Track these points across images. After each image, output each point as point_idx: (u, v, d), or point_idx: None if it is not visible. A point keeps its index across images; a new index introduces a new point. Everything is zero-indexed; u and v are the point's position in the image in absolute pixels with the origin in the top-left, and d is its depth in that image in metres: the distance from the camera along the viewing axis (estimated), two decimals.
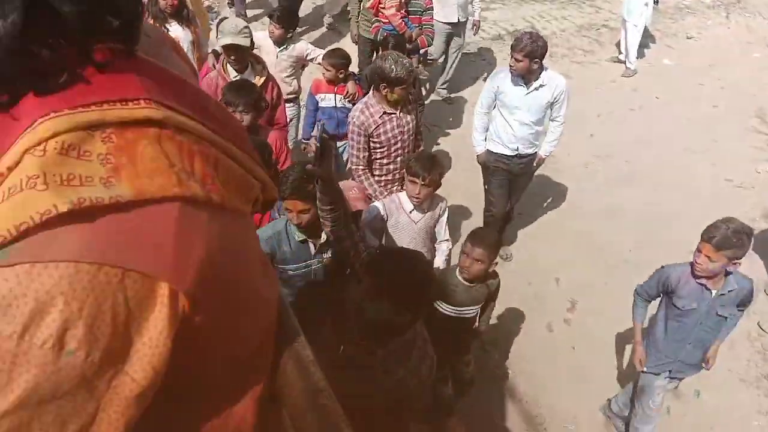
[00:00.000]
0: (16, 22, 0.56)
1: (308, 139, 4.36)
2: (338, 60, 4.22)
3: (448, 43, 6.13)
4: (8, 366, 0.55)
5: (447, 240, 3.44)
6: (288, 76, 4.46)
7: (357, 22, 5.74)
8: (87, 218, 0.58)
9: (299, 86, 4.64)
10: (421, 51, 5.60)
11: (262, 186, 0.81)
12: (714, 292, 2.84)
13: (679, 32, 8.19)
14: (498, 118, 4.18)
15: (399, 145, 3.62)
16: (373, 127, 3.52)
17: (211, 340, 0.70)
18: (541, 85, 3.97)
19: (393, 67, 3.38)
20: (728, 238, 2.64)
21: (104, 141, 0.61)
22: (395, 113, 3.57)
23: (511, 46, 3.95)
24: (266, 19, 5.25)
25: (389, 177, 3.68)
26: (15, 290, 0.55)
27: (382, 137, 3.58)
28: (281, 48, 4.36)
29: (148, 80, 0.67)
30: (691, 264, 2.82)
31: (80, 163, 0.59)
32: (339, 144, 4.33)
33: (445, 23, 5.92)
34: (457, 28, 6.04)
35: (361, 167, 3.60)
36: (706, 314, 2.88)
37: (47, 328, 0.56)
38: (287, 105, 4.40)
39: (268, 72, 3.90)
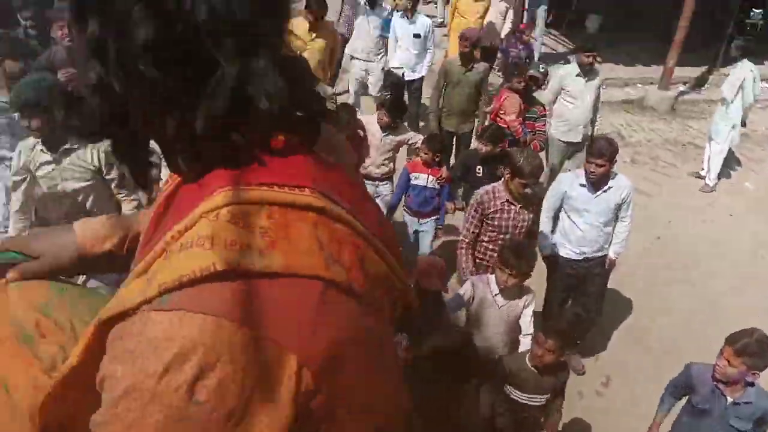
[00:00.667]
0: (221, 106, 0.65)
1: (394, 208, 4.91)
2: (436, 145, 4.73)
3: (562, 160, 6.27)
4: (145, 402, 0.59)
5: (531, 334, 3.45)
6: (387, 159, 5.02)
7: (439, 116, 6.14)
8: (238, 280, 0.63)
9: (394, 167, 5.18)
10: None
11: (403, 291, 0.85)
12: (729, 399, 2.91)
13: (765, 159, 8.33)
14: (565, 220, 4.22)
15: (509, 236, 3.82)
16: (491, 210, 3.79)
17: (322, 426, 0.69)
18: (609, 188, 4.04)
19: (525, 161, 3.63)
20: (750, 345, 2.75)
21: (268, 217, 0.67)
22: (515, 206, 3.80)
23: (589, 151, 4.05)
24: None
25: (487, 262, 3.87)
26: (166, 333, 0.60)
27: (496, 223, 3.82)
28: (386, 133, 4.94)
29: (315, 172, 0.74)
30: (714, 366, 2.95)
31: (243, 232, 0.65)
32: (422, 221, 4.82)
33: (565, 142, 6.10)
34: (577, 146, 6.12)
35: (467, 241, 3.86)
36: (719, 421, 2.96)
37: (183, 374, 0.59)
38: (382, 183, 4.98)
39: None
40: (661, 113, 9.34)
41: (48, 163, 3.48)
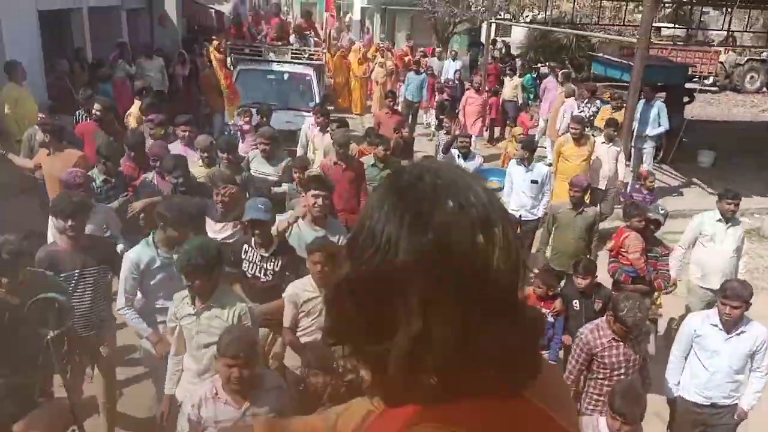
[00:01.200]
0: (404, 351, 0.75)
1: None
2: (551, 280, 4.96)
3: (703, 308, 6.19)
4: None
5: None
6: None
7: (547, 255, 6.40)
8: None
9: None
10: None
11: None
12: None
13: None
14: (694, 362, 4.06)
15: (623, 371, 3.82)
16: (599, 348, 3.81)
17: None
18: (742, 332, 3.94)
19: (628, 312, 3.65)
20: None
21: None
22: (622, 343, 3.82)
23: (723, 293, 3.95)
24: None
25: (603, 399, 3.79)
26: None
27: (607, 360, 3.83)
28: None
29: (518, 421, 0.77)
30: None
31: None
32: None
33: (704, 288, 5.91)
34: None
35: (571, 379, 3.87)
36: None
37: None
38: None
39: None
40: None
41: (190, 315, 3.69)
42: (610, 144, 8.32)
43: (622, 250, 5.72)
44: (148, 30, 17.34)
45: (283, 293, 4.22)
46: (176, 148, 6.72)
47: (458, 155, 7.40)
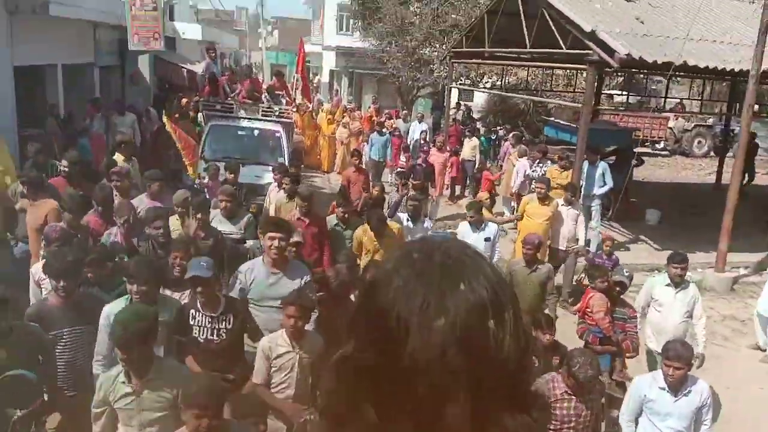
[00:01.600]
0: None
1: None
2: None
3: None
4: None
5: None
6: None
7: None
8: None
9: None
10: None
11: None
12: None
13: None
14: (646, 425, 4.16)
15: (572, 425, 3.89)
16: (551, 400, 3.86)
17: None
18: (689, 391, 4.07)
19: (579, 369, 3.75)
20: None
21: None
22: (575, 398, 3.90)
23: (665, 355, 4.11)
24: None
25: None
26: None
27: (558, 412, 3.89)
28: None
29: None
30: None
31: None
32: None
33: (659, 353, 5.74)
34: None
35: None
36: None
37: None
38: None
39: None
40: (721, 293, 9.93)
41: (128, 395, 3.46)
42: (569, 206, 8.68)
43: (588, 310, 5.79)
44: (119, 87, 17.80)
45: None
46: (142, 201, 6.83)
47: (407, 218, 7.31)
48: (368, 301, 0.79)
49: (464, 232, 7.50)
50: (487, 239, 7.39)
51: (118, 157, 8.63)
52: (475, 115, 24.37)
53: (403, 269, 0.78)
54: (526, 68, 16.47)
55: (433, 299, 0.74)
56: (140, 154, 10.87)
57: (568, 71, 19.66)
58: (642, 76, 18.40)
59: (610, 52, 8.93)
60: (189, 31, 22.26)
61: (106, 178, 7.54)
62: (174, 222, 6.36)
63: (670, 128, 24.65)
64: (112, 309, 4.12)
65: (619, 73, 21.86)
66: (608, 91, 21.70)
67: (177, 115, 11.90)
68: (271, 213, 7.73)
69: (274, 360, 4.10)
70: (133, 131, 12.29)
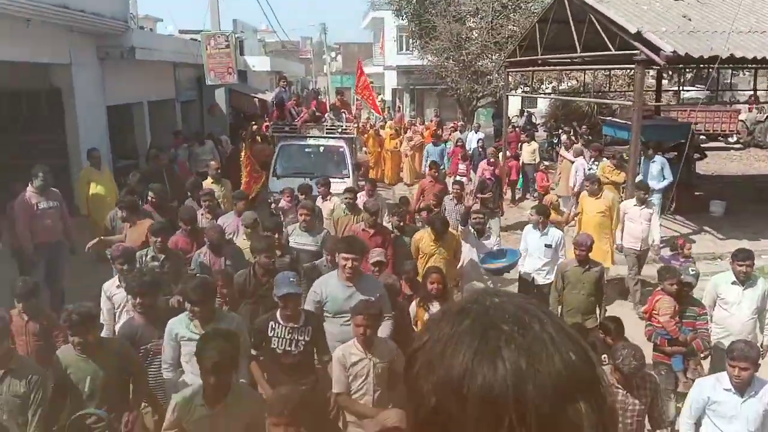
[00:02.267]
0: None
1: None
2: None
3: None
4: None
5: None
6: None
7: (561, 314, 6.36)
8: None
9: None
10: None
11: None
12: None
13: None
14: (711, 429, 4.03)
15: (621, 419, 3.89)
16: None
17: None
18: (755, 393, 3.93)
19: (623, 361, 3.78)
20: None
21: None
22: (622, 391, 3.95)
23: (730, 355, 3.96)
24: None
25: None
26: None
27: None
28: None
29: None
30: None
31: None
32: None
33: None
34: None
35: None
36: None
37: None
38: None
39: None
40: None
41: (204, 417, 3.56)
42: (642, 206, 8.61)
43: (654, 312, 5.77)
44: (199, 118, 19.26)
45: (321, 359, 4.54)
46: (230, 218, 7.59)
47: (473, 232, 7.31)
48: (422, 347, 0.75)
49: (527, 234, 7.63)
50: (548, 245, 7.36)
51: (208, 181, 9.53)
52: (538, 121, 24.62)
53: (465, 338, 0.71)
54: (583, 71, 16.71)
55: (498, 380, 0.68)
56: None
57: (629, 72, 19.72)
58: (712, 71, 18.20)
59: (657, 50, 9.22)
60: (258, 63, 23.75)
61: (193, 198, 8.48)
62: (242, 242, 6.80)
63: (742, 121, 23.99)
64: (174, 324, 4.43)
65: (687, 70, 21.69)
66: (668, 88, 21.42)
67: (254, 140, 12.85)
68: (330, 225, 8.10)
69: (350, 368, 4.21)
70: (213, 156, 13.43)
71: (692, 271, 6.52)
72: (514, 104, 27.80)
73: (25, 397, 3.91)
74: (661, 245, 9.13)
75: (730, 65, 10.92)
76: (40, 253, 7.54)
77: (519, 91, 20.24)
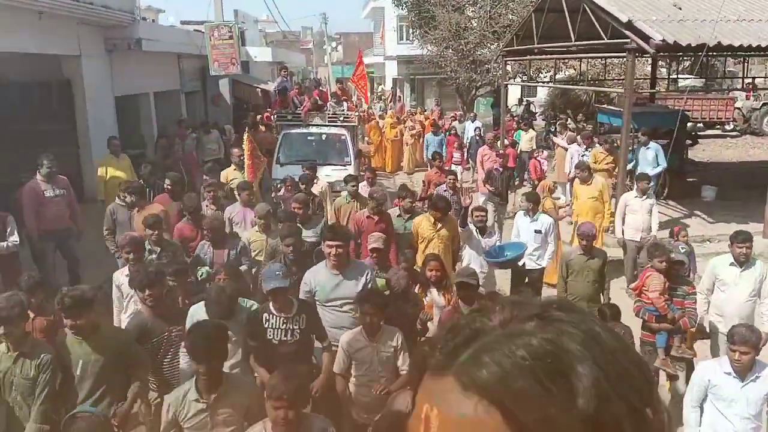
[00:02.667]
0: None
1: None
2: None
3: None
4: None
5: None
6: None
7: None
8: None
9: None
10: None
11: None
12: None
13: None
14: (711, 411, 4.06)
15: None
16: None
17: None
18: (756, 377, 3.94)
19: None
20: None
21: None
22: None
23: (731, 339, 3.99)
24: None
25: None
26: None
27: None
28: None
29: None
30: None
31: None
32: None
33: (724, 333, 5.27)
34: None
35: None
36: None
37: None
38: None
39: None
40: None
41: (201, 411, 3.53)
42: (644, 197, 8.58)
43: (644, 289, 5.80)
44: (203, 108, 19.63)
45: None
46: (236, 209, 7.55)
47: (476, 230, 7.19)
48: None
49: (518, 220, 7.80)
50: (537, 231, 7.50)
51: (231, 168, 9.72)
52: (537, 110, 24.95)
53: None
54: (579, 60, 17.03)
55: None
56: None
57: (624, 61, 20.02)
58: (710, 59, 18.54)
59: (647, 39, 9.56)
60: (260, 54, 24.09)
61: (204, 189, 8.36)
62: (254, 233, 6.84)
63: (738, 108, 24.32)
64: (194, 311, 4.52)
65: (685, 58, 22.00)
66: (666, 77, 21.73)
67: (257, 129, 13.17)
68: (331, 212, 8.17)
69: (354, 354, 4.32)
70: (218, 146, 13.80)
71: (682, 249, 6.46)
72: (513, 93, 28.26)
73: (34, 380, 3.96)
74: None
75: (719, 53, 11.21)
76: (49, 240, 7.73)
77: (517, 80, 20.56)
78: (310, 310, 4.71)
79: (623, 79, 19.30)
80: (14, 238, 6.97)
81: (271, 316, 4.54)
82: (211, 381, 3.51)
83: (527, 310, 0.69)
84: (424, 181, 10.86)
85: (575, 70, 21.61)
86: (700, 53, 10.31)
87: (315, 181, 9.08)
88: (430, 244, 6.99)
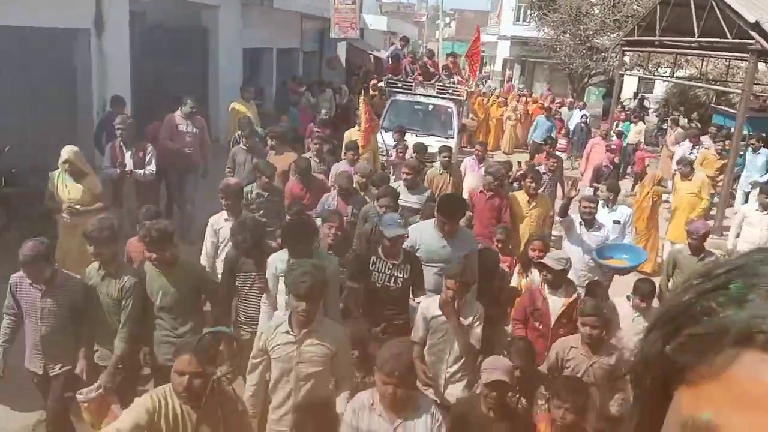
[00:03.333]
0: None
1: None
2: None
3: None
4: None
5: None
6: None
7: None
8: None
9: None
10: None
11: None
12: None
13: None
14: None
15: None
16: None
17: None
18: None
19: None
20: None
21: None
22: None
23: None
24: None
25: None
26: None
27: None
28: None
29: None
30: None
31: None
32: None
33: None
34: None
35: None
36: None
37: None
38: None
39: None
40: None
41: (290, 344, 3.57)
42: (765, 212, 8.08)
43: None
44: (317, 68, 20.54)
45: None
46: (342, 167, 7.66)
47: (580, 223, 6.46)
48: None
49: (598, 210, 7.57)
50: (616, 222, 7.25)
51: (355, 131, 9.87)
52: (652, 106, 24.22)
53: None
54: (701, 59, 16.50)
55: None
56: (333, 123, 12.95)
57: (748, 64, 19.12)
58: None
59: None
60: (375, 22, 24.72)
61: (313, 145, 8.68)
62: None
63: None
64: (274, 259, 4.51)
65: None
66: None
67: (373, 95, 13.66)
68: (425, 185, 7.91)
69: (431, 320, 4.27)
70: (330, 105, 14.57)
71: None
72: (629, 87, 27.48)
73: (118, 301, 4.21)
74: None
75: None
76: (174, 170, 8.31)
77: (633, 71, 20.10)
78: (416, 261, 4.79)
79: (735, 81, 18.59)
80: (152, 167, 7.41)
81: (378, 260, 4.68)
82: (306, 318, 3.52)
83: None
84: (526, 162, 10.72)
85: (697, 69, 20.81)
86: None
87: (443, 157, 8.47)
88: (524, 222, 7.10)
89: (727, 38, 10.37)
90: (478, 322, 4.31)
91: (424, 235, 5.01)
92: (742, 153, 11.40)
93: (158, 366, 4.40)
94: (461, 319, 4.23)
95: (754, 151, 11.16)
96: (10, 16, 7.54)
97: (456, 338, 4.22)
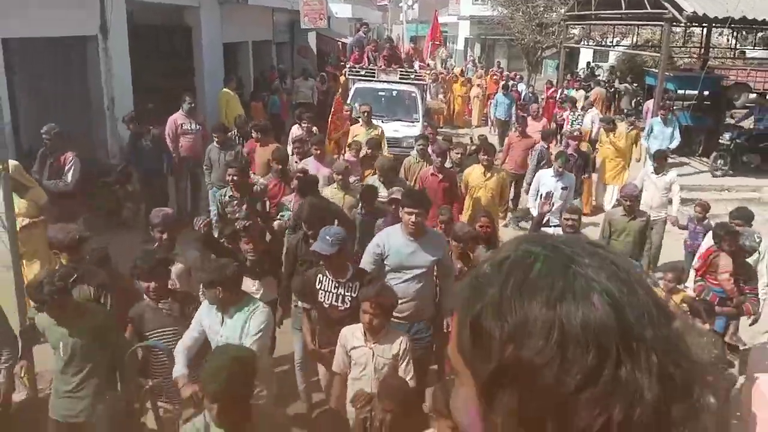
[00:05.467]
0: None
1: None
2: None
3: None
4: None
5: None
6: None
7: None
8: None
9: None
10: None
11: None
12: None
13: None
14: None
15: None
16: None
17: None
18: None
19: None
20: None
21: None
22: None
23: None
24: None
25: None
26: None
27: None
28: None
29: None
30: None
31: None
32: None
33: None
34: None
35: None
36: None
37: None
38: None
39: None
40: None
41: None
42: (660, 174, 8.14)
43: (711, 270, 5.53)
44: (290, 58, 21.94)
45: None
46: (310, 164, 7.28)
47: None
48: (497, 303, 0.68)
49: (544, 177, 7.85)
50: (564, 188, 7.59)
51: (358, 126, 9.74)
52: (603, 74, 26.06)
53: (543, 282, 0.67)
54: (637, 27, 18.32)
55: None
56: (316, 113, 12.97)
57: (688, 30, 21.00)
58: None
59: (680, 10, 11.07)
60: (341, 10, 26.11)
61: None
62: (332, 191, 6.67)
63: None
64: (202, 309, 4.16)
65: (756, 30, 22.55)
66: (743, 47, 22.45)
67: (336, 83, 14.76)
68: (401, 174, 7.80)
69: (350, 351, 3.96)
70: (311, 93, 15.94)
71: (758, 238, 5.95)
72: (585, 57, 30.15)
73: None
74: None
75: (745, 25, 12.48)
76: (183, 167, 9.03)
77: (581, 43, 21.88)
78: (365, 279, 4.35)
79: (685, 47, 20.48)
80: (67, 177, 7.02)
81: (324, 278, 4.35)
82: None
83: None
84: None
85: (640, 38, 22.68)
86: (722, 25, 11.66)
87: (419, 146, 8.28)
88: (479, 192, 7.42)
89: (647, 9, 12.09)
90: (405, 357, 3.89)
91: (392, 239, 4.71)
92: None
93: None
94: (378, 353, 3.86)
95: (665, 123, 11.51)
96: (32, 29, 8.90)
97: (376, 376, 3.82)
